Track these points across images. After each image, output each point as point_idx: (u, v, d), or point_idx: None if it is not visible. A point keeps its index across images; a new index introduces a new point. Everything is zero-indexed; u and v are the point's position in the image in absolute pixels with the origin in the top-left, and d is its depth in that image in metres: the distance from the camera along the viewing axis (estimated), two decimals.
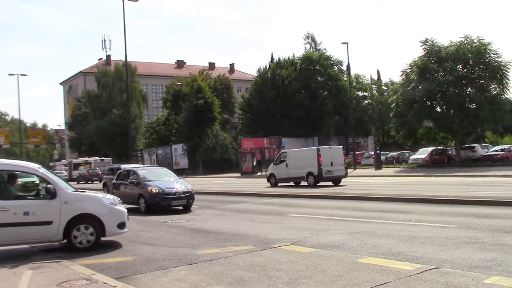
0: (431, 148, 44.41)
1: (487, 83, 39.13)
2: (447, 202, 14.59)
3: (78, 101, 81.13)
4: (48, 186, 9.67)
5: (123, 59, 36.18)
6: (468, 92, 39.61)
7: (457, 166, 36.73)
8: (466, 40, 39.09)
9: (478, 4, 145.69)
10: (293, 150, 31.07)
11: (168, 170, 21.64)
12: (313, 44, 75.18)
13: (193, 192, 17.81)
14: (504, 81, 38.17)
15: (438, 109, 41.00)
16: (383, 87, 75.36)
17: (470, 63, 38.69)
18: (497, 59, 38.05)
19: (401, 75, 42.93)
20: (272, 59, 68.09)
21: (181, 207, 17.46)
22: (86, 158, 65.87)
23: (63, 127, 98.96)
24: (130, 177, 19.14)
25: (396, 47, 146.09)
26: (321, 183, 25.84)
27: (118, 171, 21.65)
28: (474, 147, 42.09)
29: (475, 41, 38.85)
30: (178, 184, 17.76)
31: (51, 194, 9.60)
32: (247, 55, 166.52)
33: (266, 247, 9.31)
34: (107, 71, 72.83)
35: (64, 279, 7.16)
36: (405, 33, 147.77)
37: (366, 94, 69.85)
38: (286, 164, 27.37)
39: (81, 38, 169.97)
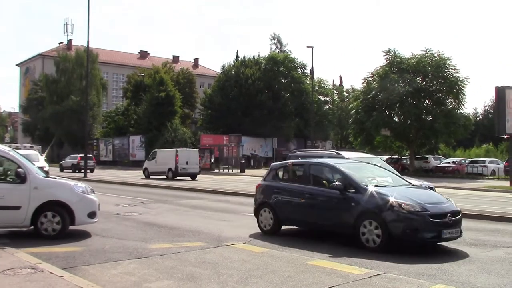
0: (386, 156, 45.37)
1: (444, 97, 40.32)
2: None
3: (35, 85, 78.66)
4: (18, 170, 9.41)
5: (85, 44, 35.37)
6: (425, 104, 40.77)
7: (410, 176, 37.53)
8: (427, 53, 40.20)
9: (440, 20, 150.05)
10: (161, 150, 36.82)
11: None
12: (278, 46, 75.56)
13: None
14: (460, 96, 39.43)
15: (396, 119, 41.97)
16: (345, 93, 76.65)
17: (429, 76, 39.81)
18: (455, 74, 39.30)
19: (363, 83, 43.79)
20: (237, 57, 68.07)
21: None
22: (17, 144, 64.33)
23: (17, 110, 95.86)
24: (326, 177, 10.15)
25: (359, 55, 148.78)
26: (178, 178, 31.55)
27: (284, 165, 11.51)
28: (427, 158, 43.31)
29: (435, 55, 40.00)
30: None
31: (21, 178, 9.38)
32: (212, 50, 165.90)
33: (218, 244, 9.29)
34: (67, 56, 70.94)
35: (8, 266, 6.93)
36: (369, 42, 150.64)
37: (328, 99, 70.88)
38: (155, 160, 33.96)
39: (41, 19, 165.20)
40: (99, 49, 74.71)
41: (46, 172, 19.61)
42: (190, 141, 55.86)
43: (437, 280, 6.79)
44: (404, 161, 43.64)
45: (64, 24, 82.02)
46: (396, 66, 40.32)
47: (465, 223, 12.25)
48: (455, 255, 8.42)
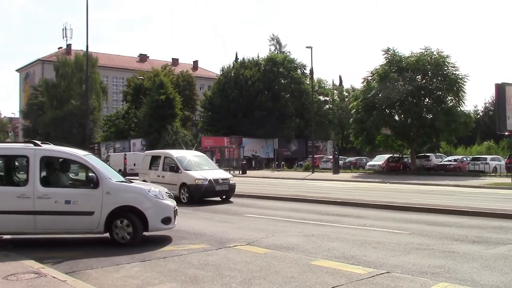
0: (387, 155, 45.34)
1: (444, 94, 40.27)
2: (400, 208, 14.92)
3: (35, 90, 78.72)
4: (91, 174, 9.28)
5: (84, 49, 35.37)
6: (425, 103, 40.72)
7: (411, 174, 37.63)
8: (426, 51, 40.16)
9: (439, 18, 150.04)
10: (114, 154, 40.46)
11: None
12: (277, 46, 75.58)
13: None
14: (460, 94, 39.38)
15: (396, 118, 41.92)
16: (345, 93, 76.62)
17: (429, 75, 39.78)
18: (454, 72, 39.25)
19: (362, 82, 43.78)
20: (237, 58, 68.12)
21: None
22: None
23: (17, 115, 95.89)
24: None
25: (359, 55, 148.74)
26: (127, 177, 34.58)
27: None
28: (428, 156, 43.23)
29: (434, 53, 39.97)
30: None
31: (94, 183, 9.21)
32: (211, 53, 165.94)
33: (221, 246, 9.28)
34: (66, 61, 70.99)
35: (11, 272, 6.92)
36: (368, 41, 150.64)
37: (328, 99, 70.83)
38: (109, 163, 37.65)
39: (41, 25, 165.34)
40: (98, 53, 74.86)
41: None
42: (191, 143, 55.88)
43: (441, 278, 6.78)
44: (406, 160, 43.60)
45: (63, 29, 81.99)
46: (395, 65, 40.28)
47: (468, 221, 12.32)
48: (458, 253, 8.41)
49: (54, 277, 6.62)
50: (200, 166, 18.61)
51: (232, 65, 64.64)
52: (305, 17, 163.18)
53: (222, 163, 46.83)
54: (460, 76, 39.10)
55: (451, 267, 7.42)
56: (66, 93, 68.38)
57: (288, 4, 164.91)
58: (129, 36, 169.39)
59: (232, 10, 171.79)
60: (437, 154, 46.30)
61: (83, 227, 9.26)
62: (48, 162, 9.64)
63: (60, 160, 9.85)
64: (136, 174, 35.86)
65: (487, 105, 76.16)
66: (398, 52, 41.35)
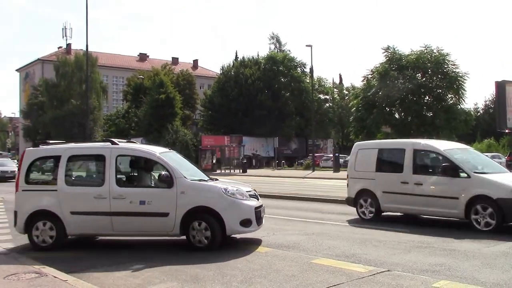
0: None
1: (444, 92, 40.25)
2: None
3: (35, 89, 78.72)
4: (164, 173, 8.78)
5: (84, 48, 35.36)
6: (425, 101, 40.69)
7: None
8: (426, 49, 40.14)
9: (439, 16, 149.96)
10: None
11: None
12: (277, 45, 75.50)
13: None
14: (460, 92, 39.36)
15: (397, 116, 41.91)
16: (345, 91, 76.53)
17: (429, 72, 39.74)
18: (454, 70, 39.22)
19: (362, 80, 43.70)
20: (236, 57, 68.04)
21: None
22: None
23: (17, 115, 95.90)
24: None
25: (359, 53, 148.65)
26: None
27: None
28: None
29: (434, 51, 39.94)
30: None
31: (168, 182, 8.72)
32: (211, 52, 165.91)
33: (222, 245, 9.27)
34: (66, 60, 70.90)
35: (12, 271, 6.94)
36: (368, 39, 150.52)
37: (328, 97, 70.77)
38: None
39: (40, 24, 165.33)
40: (98, 52, 74.79)
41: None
42: (192, 143, 55.90)
43: (441, 276, 6.79)
44: None
45: (62, 29, 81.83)
46: (395, 63, 40.26)
47: None
48: (458, 251, 8.41)
49: (55, 277, 6.63)
50: (485, 167, 11.58)
51: (232, 64, 64.59)
52: (304, 16, 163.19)
53: (222, 162, 46.94)
54: (460, 74, 39.08)
55: (452, 265, 7.42)
56: (66, 92, 68.31)
57: (288, 3, 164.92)
58: (129, 36, 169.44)
59: (231, 9, 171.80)
60: None
61: (158, 229, 8.84)
62: (123, 161, 9.50)
63: (135, 158, 9.63)
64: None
65: (487, 102, 76.09)
66: (398, 50, 41.34)
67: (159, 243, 9.60)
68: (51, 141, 10.32)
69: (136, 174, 9.71)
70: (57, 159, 9.30)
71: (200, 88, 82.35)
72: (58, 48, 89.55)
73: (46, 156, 9.75)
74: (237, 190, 8.97)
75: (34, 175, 9.68)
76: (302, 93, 61.85)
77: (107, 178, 8.85)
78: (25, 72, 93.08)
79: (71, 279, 6.55)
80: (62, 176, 9.11)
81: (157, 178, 9.07)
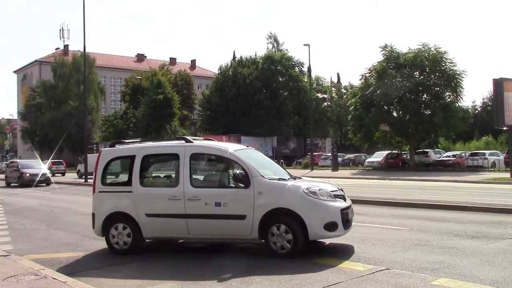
0: (386, 152, 45.38)
1: (442, 90, 40.31)
2: (400, 204, 14.94)
3: (33, 91, 78.61)
4: (239, 172, 8.11)
5: (81, 49, 35.29)
6: (423, 99, 40.77)
7: (410, 170, 37.67)
8: (423, 47, 40.22)
9: (437, 15, 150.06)
10: (91, 155, 39.69)
11: None
12: (275, 44, 75.59)
13: None
14: (458, 90, 39.45)
15: (395, 114, 41.97)
16: (343, 90, 76.60)
17: (427, 71, 39.82)
18: (452, 68, 39.33)
19: (360, 79, 43.79)
20: (234, 57, 68.08)
21: None
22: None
23: (15, 116, 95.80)
24: None
25: (356, 52, 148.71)
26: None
27: None
28: (427, 152, 43.30)
29: (432, 49, 40.02)
30: None
31: (243, 182, 8.02)
32: (209, 51, 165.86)
33: (221, 245, 9.27)
34: (64, 61, 70.92)
35: (11, 273, 6.93)
36: (366, 38, 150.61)
37: (326, 96, 70.85)
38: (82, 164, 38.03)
39: (37, 25, 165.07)
40: (96, 53, 74.75)
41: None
42: None
43: (440, 273, 6.79)
44: (404, 156, 43.65)
45: (60, 30, 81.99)
46: (393, 62, 40.33)
47: (466, 216, 12.33)
48: (457, 248, 8.42)
49: (54, 278, 6.62)
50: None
51: (229, 63, 64.62)
52: (302, 15, 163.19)
53: None
54: (458, 72, 39.17)
55: (451, 262, 7.43)
56: (64, 94, 68.33)
57: (285, 2, 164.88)
58: (127, 36, 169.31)
59: (228, 9, 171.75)
60: (436, 150, 46.43)
61: (235, 232, 8.15)
62: (198, 160, 8.91)
63: (209, 156, 9.01)
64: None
65: (485, 100, 76.20)
66: (395, 48, 41.42)
67: (155, 243, 9.59)
68: (126, 140, 9.92)
69: (211, 173, 9.21)
70: (132, 159, 8.89)
71: (198, 88, 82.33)
72: (56, 49, 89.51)
73: (121, 156, 9.35)
74: (320, 190, 8.13)
75: (110, 176, 9.39)
76: (300, 92, 61.89)
77: (182, 178, 8.33)
78: (23, 73, 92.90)
79: (70, 281, 6.54)
80: (136, 177, 8.72)
81: (228, 177, 8.51)
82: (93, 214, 9.06)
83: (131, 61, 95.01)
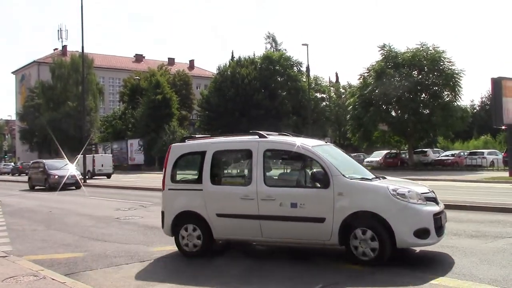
0: (385, 151, 45.41)
1: (440, 90, 40.38)
2: None
3: (31, 92, 78.58)
4: (318, 170, 7.51)
5: (80, 50, 35.29)
6: (422, 98, 40.82)
7: (409, 170, 37.69)
8: (422, 47, 40.28)
9: (436, 15, 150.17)
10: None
11: None
12: (273, 44, 75.57)
13: None
14: (456, 89, 39.51)
15: (393, 113, 42.04)
16: (341, 89, 76.60)
17: (425, 70, 39.88)
18: (450, 67, 39.38)
19: (359, 79, 43.86)
20: (233, 57, 68.04)
21: None
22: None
23: (14, 117, 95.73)
24: None
25: (355, 51, 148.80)
26: (96, 177, 38.55)
27: None
28: (426, 151, 43.35)
29: (430, 48, 40.08)
30: None
31: (322, 181, 7.37)
32: (207, 51, 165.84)
33: (220, 244, 9.27)
34: (62, 62, 70.90)
35: (10, 274, 6.92)
36: (364, 38, 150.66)
37: (324, 96, 70.81)
38: (78, 164, 38.36)
39: (35, 26, 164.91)
40: (94, 54, 74.75)
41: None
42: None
43: (439, 272, 6.79)
44: (403, 156, 43.68)
45: (58, 30, 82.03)
46: (391, 61, 40.39)
47: (466, 215, 12.35)
48: (456, 247, 8.42)
49: (53, 279, 6.62)
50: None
51: (228, 63, 64.58)
52: (300, 15, 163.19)
53: None
54: (456, 71, 39.24)
55: (450, 261, 7.43)
56: (62, 94, 68.31)
57: (283, 2, 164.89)
58: (125, 37, 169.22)
59: (226, 9, 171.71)
60: (435, 149, 46.46)
61: (313, 236, 7.49)
62: (272, 156, 8.42)
63: (285, 153, 8.27)
64: (105, 175, 39.64)
65: (483, 99, 76.21)
66: (394, 48, 41.47)
67: (156, 244, 9.58)
68: (197, 135, 9.40)
69: (286, 171, 8.73)
70: (202, 155, 8.40)
71: (197, 88, 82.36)
72: (54, 50, 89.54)
73: (192, 152, 8.85)
74: (409, 191, 7.27)
75: (180, 173, 8.89)
76: (298, 92, 61.89)
77: (255, 177, 7.76)
78: (21, 74, 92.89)
79: (69, 281, 6.54)
80: (207, 174, 8.21)
81: (305, 175, 7.87)
82: (162, 213, 8.73)
83: (130, 62, 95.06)
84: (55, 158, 47.04)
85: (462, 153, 42.37)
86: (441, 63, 39.34)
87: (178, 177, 8.80)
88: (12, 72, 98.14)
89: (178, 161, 8.72)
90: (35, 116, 72.40)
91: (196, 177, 8.53)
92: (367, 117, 39.53)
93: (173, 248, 9.09)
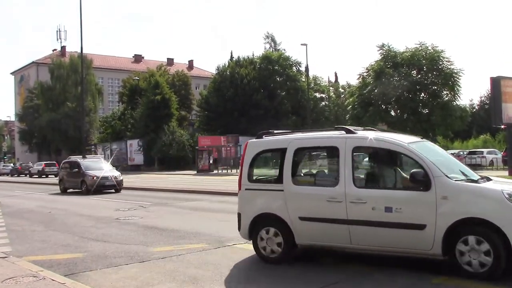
0: None
1: (439, 89, 40.40)
2: None
3: (30, 92, 78.61)
4: (417, 171, 6.61)
5: (79, 50, 35.31)
6: (421, 98, 40.85)
7: None
8: (421, 46, 40.30)
9: (435, 14, 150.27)
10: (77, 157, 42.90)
11: None
12: (272, 44, 75.57)
13: None
14: (455, 88, 39.54)
15: (393, 113, 42.07)
16: (340, 89, 76.61)
17: (424, 69, 39.90)
18: (449, 67, 39.40)
19: (358, 78, 43.87)
20: (232, 57, 68.05)
21: None
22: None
23: (13, 118, 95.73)
24: None
25: (354, 51, 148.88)
26: None
27: None
28: None
29: (429, 48, 40.09)
30: None
31: (423, 183, 6.54)
32: (206, 52, 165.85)
33: (220, 245, 9.28)
34: (61, 63, 70.91)
35: (10, 275, 6.92)
36: (363, 38, 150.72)
37: (324, 95, 70.84)
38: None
39: (34, 27, 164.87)
40: (93, 54, 74.78)
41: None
42: (188, 143, 55.83)
43: (441, 272, 6.78)
44: None
45: (57, 31, 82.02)
46: (390, 61, 40.41)
47: None
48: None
49: (52, 280, 6.62)
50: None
51: (227, 64, 64.61)
52: (299, 15, 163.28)
53: (219, 162, 46.91)
54: (455, 71, 39.27)
55: (451, 261, 7.43)
56: (61, 95, 68.34)
57: (282, 2, 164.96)
58: (124, 37, 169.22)
59: (225, 9, 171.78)
60: None
61: (411, 245, 6.67)
62: (362, 154, 7.92)
63: (377, 150, 7.43)
64: None
65: (482, 98, 76.24)
66: (392, 47, 41.49)
67: (155, 245, 9.58)
68: (275, 131, 8.64)
69: (379, 171, 7.75)
70: (282, 152, 7.76)
71: (196, 89, 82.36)
72: (53, 50, 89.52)
73: (270, 149, 8.27)
74: None
75: (257, 171, 8.30)
76: (298, 92, 61.93)
77: (342, 177, 7.08)
78: (20, 75, 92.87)
79: (68, 282, 6.54)
80: (288, 173, 7.58)
81: (408, 177, 6.91)
82: (239, 215, 8.15)
83: (129, 62, 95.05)
84: (50, 159, 47.21)
85: (461, 153, 42.36)
86: (440, 63, 39.37)
87: (256, 176, 8.23)
88: (11, 73, 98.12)
89: (256, 158, 8.13)
90: (34, 116, 72.45)
91: (276, 176, 7.94)
92: (366, 117, 39.54)
93: (172, 248, 9.11)
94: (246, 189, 8.05)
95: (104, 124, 70.14)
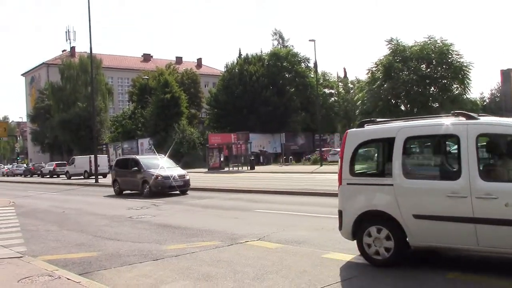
0: None
1: (449, 83, 40.14)
2: None
3: (41, 93, 79.16)
4: None
5: (88, 50, 35.43)
6: (431, 92, 40.60)
7: None
8: (429, 40, 40.04)
9: (442, 6, 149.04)
10: (78, 156, 46.20)
11: None
12: (280, 41, 75.42)
13: None
14: (465, 81, 39.27)
15: (403, 108, 41.83)
16: (350, 84, 76.31)
17: (434, 63, 39.64)
18: (459, 60, 39.14)
19: (367, 73, 43.65)
20: (240, 54, 68.01)
21: None
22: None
23: (25, 119, 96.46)
24: None
25: (362, 46, 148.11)
26: (92, 177, 36.82)
27: None
28: None
29: (438, 41, 39.82)
30: None
31: None
32: (215, 50, 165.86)
33: (232, 242, 9.32)
34: (71, 63, 71.26)
35: (25, 275, 7.00)
36: (371, 32, 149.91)
37: (333, 91, 70.62)
38: (74, 165, 42.70)
39: (44, 28, 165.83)
40: (102, 54, 75.09)
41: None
42: (199, 141, 55.91)
43: (454, 267, 6.77)
44: None
45: (66, 32, 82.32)
46: (399, 55, 40.17)
47: None
48: None
49: (68, 279, 6.68)
50: None
51: (236, 61, 64.57)
52: (307, 10, 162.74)
53: (230, 160, 46.97)
54: (465, 64, 39.00)
55: (463, 257, 7.41)
56: (72, 95, 68.70)
57: None
58: (133, 36, 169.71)
59: (233, 6, 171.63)
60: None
61: None
62: (487, 143, 6.99)
63: (505, 138, 6.61)
64: (101, 175, 37.77)
65: (493, 91, 75.63)
66: (401, 42, 41.25)
67: (168, 243, 9.64)
68: (378, 119, 7.88)
69: (510, 161, 6.85)
70: (389, 142, 7.04)
71: (205, 87, 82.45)
72: (63, 51, 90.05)
73: (375, 139, 7.53)
74: None
75: (360, 164, 7.70)
76: (307, 88, 61.79)
77: (465, 169, 6.26)
78: (31, 76, 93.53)
79: (84, 281, 6.60)
80: (398, 165, 6.83)
81: None
82: (340, 212, 7.54)
83: (138, 61, 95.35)
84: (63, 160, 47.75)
85: None
86: (449, 56, 39.11)
87: (359, 169, 7.57)
88: (22, 74, 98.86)
89: (358, 150, 7.43)
90: (46, 117, 72.96)
91: (382, 168, 7.35)
92: (376, 112, 39.37)
93: (185, 246, 9.15)
94: (348, 184, 7.44)
95: (114, 123, 70.43)
